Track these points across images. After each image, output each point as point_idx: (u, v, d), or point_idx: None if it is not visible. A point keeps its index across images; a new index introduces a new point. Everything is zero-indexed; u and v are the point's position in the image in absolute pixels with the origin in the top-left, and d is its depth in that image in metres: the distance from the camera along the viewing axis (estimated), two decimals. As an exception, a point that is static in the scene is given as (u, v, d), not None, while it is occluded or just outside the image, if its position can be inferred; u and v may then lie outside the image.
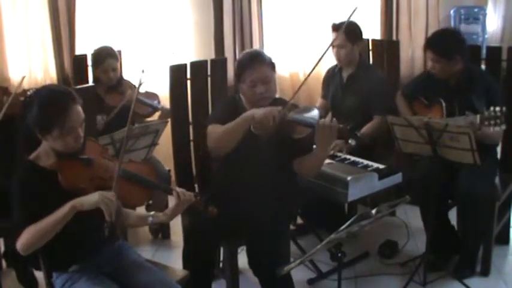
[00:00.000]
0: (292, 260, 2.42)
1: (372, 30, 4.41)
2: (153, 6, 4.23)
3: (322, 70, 3.75)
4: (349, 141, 2.31)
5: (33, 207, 1.85)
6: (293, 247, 2.88)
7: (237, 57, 3.83)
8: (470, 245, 3.01)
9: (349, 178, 2.68)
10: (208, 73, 3.20)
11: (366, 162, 2.94)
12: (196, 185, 3.15)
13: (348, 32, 3.26)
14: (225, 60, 3.46)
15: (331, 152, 3.09)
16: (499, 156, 3.20)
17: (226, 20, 4.15)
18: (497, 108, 2.54)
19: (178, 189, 2.07)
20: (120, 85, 3.47)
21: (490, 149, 2.98)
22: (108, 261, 2.09)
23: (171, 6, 4.26)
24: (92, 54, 3.55)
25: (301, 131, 2.37)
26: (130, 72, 3.83)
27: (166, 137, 3.07)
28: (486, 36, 4.83)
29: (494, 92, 2.88)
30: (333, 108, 3.55)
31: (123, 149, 2.06)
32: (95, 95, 3.08)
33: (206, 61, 3.23)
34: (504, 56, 3.26)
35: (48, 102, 1.89)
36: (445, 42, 2.91)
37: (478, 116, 2.58)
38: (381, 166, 2.88)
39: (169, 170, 3.53)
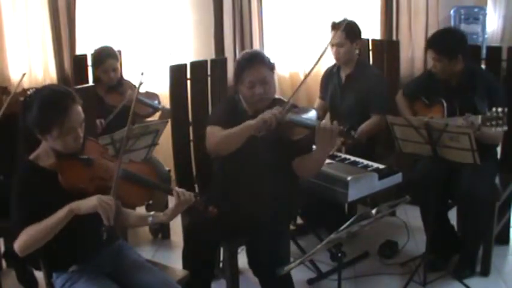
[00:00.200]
0: (292, 260, 2.42)
1: (372, 30, 4.42)
2: (153, 6, 4.23)
3: (322, 70, 3.75)
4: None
5: (32, 207, 1.85)
6: (293, 247, 2.88)
7: (237, 57, 3.83)
8: (470, 245, 3.01)
9: (349, 178, 2.68)
10: (208, 73, 3.19)
11: (366, 162, 2.94)
12: (196, 185, 3.15)
13: (347, 30, 3.28)
14: (225, 60, 3.45)
15: (330, 152, 3.10)
16: (499, 156, 3.19)
17: (226, 20, 4.15)
18: (500, 109, 2.53)
19: (178, 189, 2.07)
20: (120, 85, 3.47)
21: (490, 149, 2.98)
22: (108, 262, 2.09)
23: (171, 6, 4.26)
24: (92, 54, 3.55)
25: (299, 132, 2.37)
26: (130, 72, 3.83)
27: (166, 137, 3.07)
28: (486, 36, 4.83)
29: (496, 93, 2.88)
30: (332, 108, 3.55)
31: (123, 149, 2.06)
32: (95, 95, 3.08)
33: (206, 61, 3.23)
34: (504, 56, 3.26)
35: (48, 102, 1.89)
36: (447, 41, 2.91)
37: (480, 117, 2.57)
38: (381, 166, 2.88)
39: (169, 170, 3.53)
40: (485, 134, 2.66)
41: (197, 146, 3.12)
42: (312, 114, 2.43)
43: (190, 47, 4.34)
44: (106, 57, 3.41)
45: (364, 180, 2.75)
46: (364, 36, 4.00)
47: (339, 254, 2.10)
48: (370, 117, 3.33)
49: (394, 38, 4.36)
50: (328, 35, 3.46)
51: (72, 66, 3.90)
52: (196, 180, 3.16)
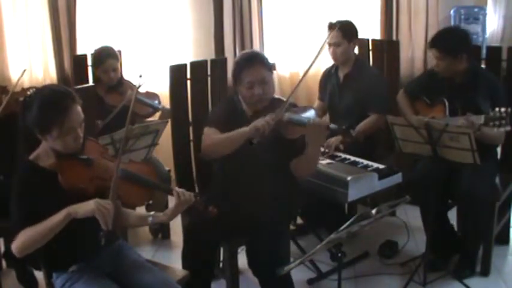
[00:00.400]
0: (292, 260, 2.42)
1: (372, 30, 4.42)
2: (153, 6, 4.23)
3: (321, 70, 3.75)
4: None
5: (32, 207, 1.85)
6: (293, 247, 2.88)
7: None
8: (470, 245, 3.01)
9: (349, 178, 2.68)
10: (208, 73, 3.19)
11: (366, 162, 2.94)
12: (196, 185, 3.15)
13: (344, 29, 3.30)
14: (225, 60, 3.45)
15: (327, 151, 3.10)
16: (499, 156, 3.19)
17: (226, 20, 4.15)
18: (503, 109, 2.52)
19: (178, 189, 2.06)
20: (120, 85, 3.47)
21: (490, 149, 2.98)
22: (108, 262, 2.09)
23: (171, 6, 4.26)
24: (93, 54, 3.55)
25: (295, 132, 2.37)
26: (130, 72, 3.83)
27: (166, 137, 3.07)
28: (486, 36, 4.83)
29: (498, 93, 2.88)
30: (330, 108, 3.56)
31: (121, 150, 2.07)
32: (95, 95, 3.08)
33: (206, 61, 3.23)
34: (504, 56, 3.26)
35: (47, 102, 1.89)
36: (450, 40, 2.91)
37: (483, 117, 2.57)
38: (381, 166, 2.88)
39: (169, 170, 3.53)
40: (485, 134, 2.66)
41: (197, 146, 3.11)
42: (311, 113, 2.43)
43: (190, 47, 4.34)
44: (106, 57, 3.40)
45: (364, 180, 2.75)
46: (364, 36, 4.01)
47: (339, 254, 2.10)
48: (368, 116, 3.34)
49: (394, 38, 4.36)
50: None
51: (72, 66, 3.90)
52: (196, 180, 3.16)
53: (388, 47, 4.04)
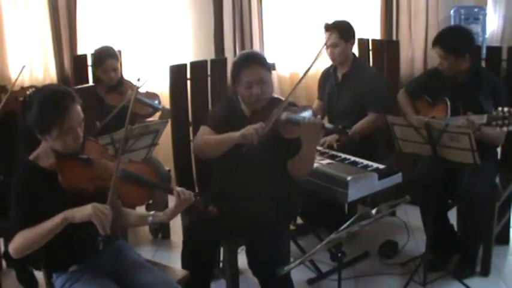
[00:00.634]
0: (292, 260, 2.42)
1: (372, 30, 4.42)
2: (153, 6, 4.24)
3: (321, 69, 3.75)
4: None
5: (32, 207, 1.85)
6: (293, 247, 2.87)
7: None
8: (470, 245, 3.01)
9: (349, 178, 2.68)
10: (208, 73, 3.19)
11: (366, 162, 2.94)
12: (196, 185, 3.15)
13: (341, 30, 3.31)
14: (225, 60, 3.45)
15: (321, 149, 3.10)
16: (499, 156, 3.19)
17: (226, 20, 4.15)
18: (506, 109, 2.52)
19: (178, 189, 2.06)
20: (120, 85, 3.47)
21: (490, 149, 2.98)
22: (108, 262, 2.09)
23: (171, 6, 4.26)
24: (93, 54, 3.55)
25: (292, 131, 2.38)
26: (130, 72, 3.83)
27: (166, 137, 3.07)
28: (486, 36, 4.83)
29: (500, 92, 2.88)
30: (329, 107, 3.56)
31: (121, 150, 2.07)
32: (95, 95, 3.08)
33: (206, 61, 3.23)
34: (504, 56, 3.26)
35: (47, 102, 1.88)
36: (454, 39, 2.91)
37: (486, 116, 2.56)
38: (381, 166, 2.87)
39: (169, 170, 3.53)
40: (485, 134, 2.66)
41: (197, 146, 3.12)
42: (308, 113, 2.43)
43: (190, 47, 4.34)
44: (106, 57, 3.40)
45: (364, 180, 2.75)
46: (364, 36, 4.01)
47: (339, 254, 2.10)
48: (366, 115, 3.34)
49: (394, 38, 4.36)
50: (327, 35, 3.46)
51: (72, 66, 3.91)
52: (196, 180, 3.16)
53: (388, 47, 4.04)
